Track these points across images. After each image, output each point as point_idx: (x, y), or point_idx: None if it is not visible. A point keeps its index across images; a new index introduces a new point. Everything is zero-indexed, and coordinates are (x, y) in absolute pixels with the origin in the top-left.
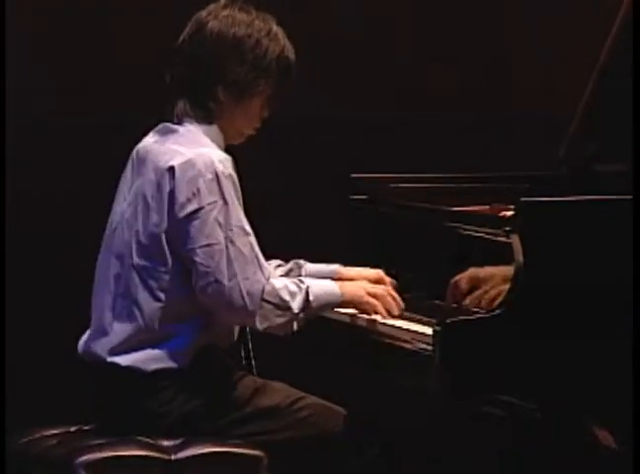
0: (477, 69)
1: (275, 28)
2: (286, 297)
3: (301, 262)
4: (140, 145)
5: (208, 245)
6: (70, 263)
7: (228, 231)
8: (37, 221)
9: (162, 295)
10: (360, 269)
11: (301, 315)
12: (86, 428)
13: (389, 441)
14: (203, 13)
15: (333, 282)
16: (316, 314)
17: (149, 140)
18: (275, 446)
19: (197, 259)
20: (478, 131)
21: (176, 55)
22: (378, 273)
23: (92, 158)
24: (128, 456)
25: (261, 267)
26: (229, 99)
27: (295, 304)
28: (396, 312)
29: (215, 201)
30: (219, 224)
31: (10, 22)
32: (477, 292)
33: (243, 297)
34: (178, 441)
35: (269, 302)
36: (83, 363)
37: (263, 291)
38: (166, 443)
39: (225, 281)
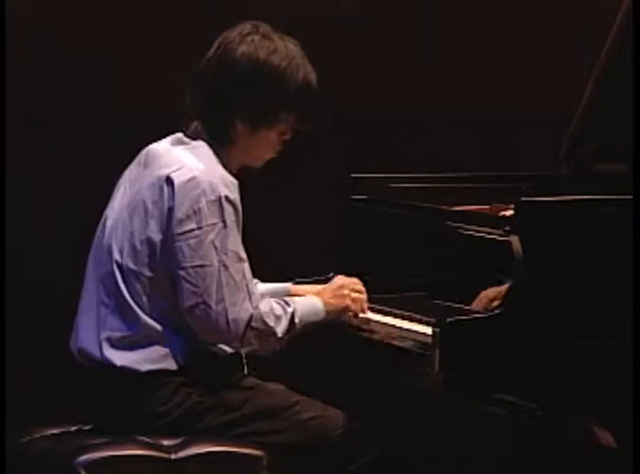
0: (477, 69)
1: (298, 56)
2: (271, 323)
3: (254, 280)
4: (150, 148)
5: (201, 266)
6: (70, 263)
7: (223, 255)
8: (36, 221)
9: (149, 300)
10: (311, 286)
11: (285, 338)
12: (86, 427)
13: (389, 442)
14: (229, 38)
15: (317, 300)
16: (300, 332)
17: (161, 146)
18: (273, 448)
19: (187, 277)
20: (478, 131)
21: (197, 78)
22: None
23: (92, 158)
24: (128, 456)
25: (250, 295)
26: (246, 128)
27: (280, 329)
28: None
29: (215, 224)
30: (215, 247)
31: (10, 22)
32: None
33: (228, 323)
34: (178, 441)
35: (253, 328)
36: (80, 363)
37: (250, 319)
38: (166, 443)
39: (213, 305)
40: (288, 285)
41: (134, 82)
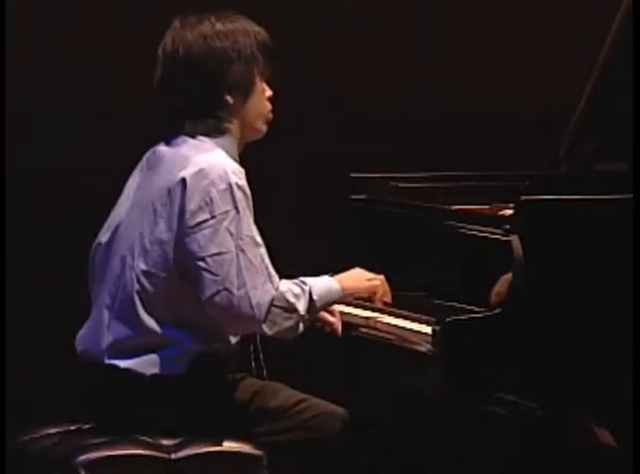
0: (477, 69)
1: (238, 22)
2: (292, 299)
3: None
4: (154, 150)
5: (219, 254)
6: (70, 263)
7: (239, 240)
8: (36, 221)
9: (159, 302)
10: None
11: (307, 316)
12: (86, 427)
13: (389, 442)
14: (169, 42)
15: (332, 279)
16: (319, 312)
17: (164, 147)
18: (277, 448)
19: (206, 267)
20: (478, 131)
21: (163, 91)
22: None
23: (92, 158)
24: (128, 455)
25: (270, 277)
26: (237, 99)
27: (301, 306)
28: (388, 298)
29: (228, 211)
30: (230, 233)
31: (10, 22)
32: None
33: (252, 307)
34: (178, 440)
35: (276, 306)
36: (82, 363)
37: (272, 301)
38: (166, 442)
39: (234, 290)
40: None
41: (134, 82)
